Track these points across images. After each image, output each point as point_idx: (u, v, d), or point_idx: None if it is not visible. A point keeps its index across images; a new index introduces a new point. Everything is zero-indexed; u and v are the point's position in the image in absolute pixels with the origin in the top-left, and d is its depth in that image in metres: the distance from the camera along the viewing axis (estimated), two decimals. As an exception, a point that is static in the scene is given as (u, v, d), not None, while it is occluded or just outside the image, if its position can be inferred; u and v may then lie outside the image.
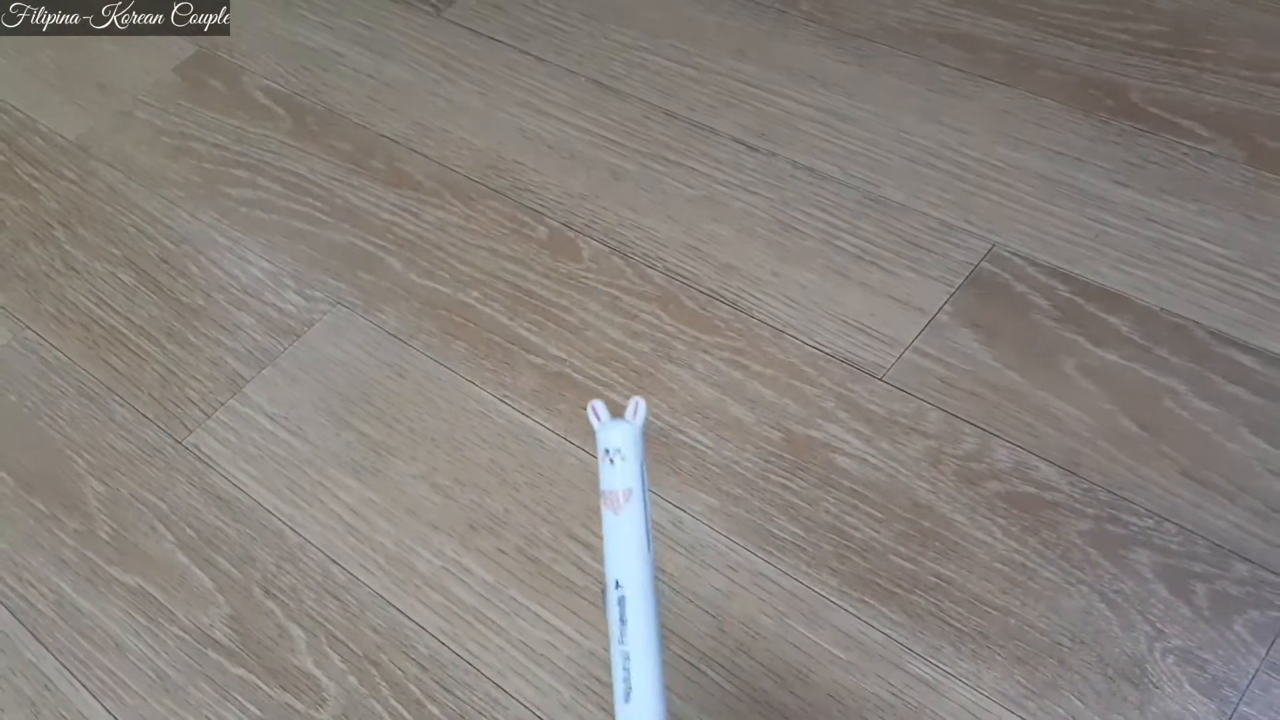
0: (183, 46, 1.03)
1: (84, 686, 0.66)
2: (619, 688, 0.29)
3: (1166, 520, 0.63)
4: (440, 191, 0.87)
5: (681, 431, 0.70)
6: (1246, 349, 0.69)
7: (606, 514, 0.29)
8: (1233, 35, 0.87)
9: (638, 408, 0.30)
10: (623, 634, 0.28)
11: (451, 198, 0.86)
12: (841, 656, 0.61)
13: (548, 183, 0.86)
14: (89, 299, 0.85)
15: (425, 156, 0.90)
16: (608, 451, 0.29)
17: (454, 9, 1.02)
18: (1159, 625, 0.60)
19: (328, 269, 0.83)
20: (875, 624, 0.61)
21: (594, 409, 0.29)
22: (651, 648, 0.29)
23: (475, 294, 0.80)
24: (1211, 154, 0.80)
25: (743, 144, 0.86)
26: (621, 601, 0.29)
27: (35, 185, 0.94)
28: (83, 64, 1.04)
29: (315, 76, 0.98)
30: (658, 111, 0.90)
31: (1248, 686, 0.57)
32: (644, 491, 0.29)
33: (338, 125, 0.93)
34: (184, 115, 0.97)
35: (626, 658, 0.28)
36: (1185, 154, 0.80)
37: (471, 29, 1.00)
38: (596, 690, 0.61)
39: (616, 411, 0.29)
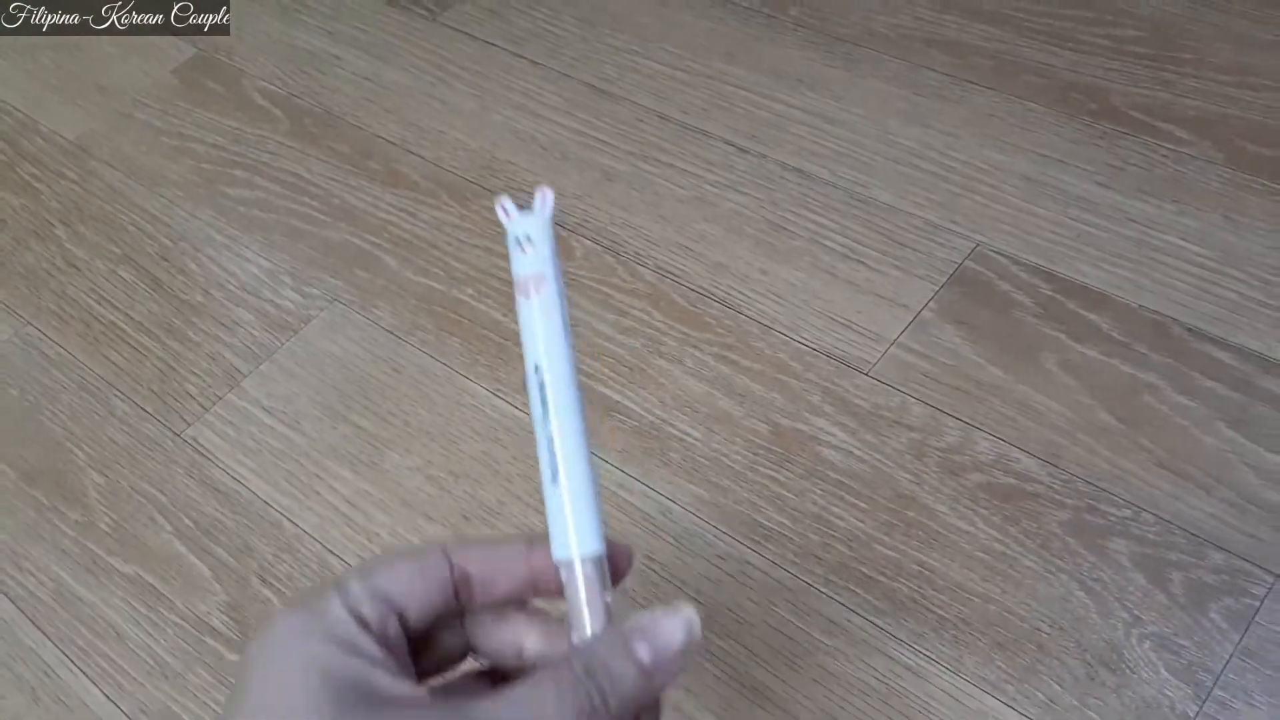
0: (182, 49, 1.05)
1: (83, 673, 0.67)
2: (545, 470, 0.29)
3: (1144, 511, 0.65)
4: (436, 192, 0.89)
5: (671, 425, 0.72)
6: (1223, 345, 0.71)
7: (520, 301, 0.29)
8: (1210, 41, 0.89)
9: (545, 198, 0.29)
10: (545, 416, 0.28)
11: (447, 198, 0.88)
12: (826, 643, 0.62)
13: (541, 182, 0.87)
14: (89, 296, 0.86)
15: (421, 157, 0.91)
16: (517, 239, 0.29)
17: (450, 14, 1.04)
18: (1136, 612, 0.61)
19: (325, 267, 0.85)
20: (860, 611, 0.63)
21: (502, 205, 0.29)
22: (575, 427, 0.28)
23: (470, 291, 0.81)
24: (1190, 156, 0.81)
25: (733, 146, 0.88)
26: (542, 385, 0.28)
27: (36, 185, 0.95)
28: (83, 66, 1.05)
29: (313, 79, 1.00)
30: (650, 114, 0.91)
31: (1222, 671, 0.59)
32: (557, 278, 0.29)
33: (335, 127, 0.95)
34: (183, 116, 0.99)
35: (551, 439, 0.28)
36: (1165, 156, 0.82)
37: (467, 33, 1.01)
38: (587, 675, 0.62)
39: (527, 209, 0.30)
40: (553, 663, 0.27)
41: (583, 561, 0.28)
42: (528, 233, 0.29)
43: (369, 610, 0.27)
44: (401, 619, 0.28)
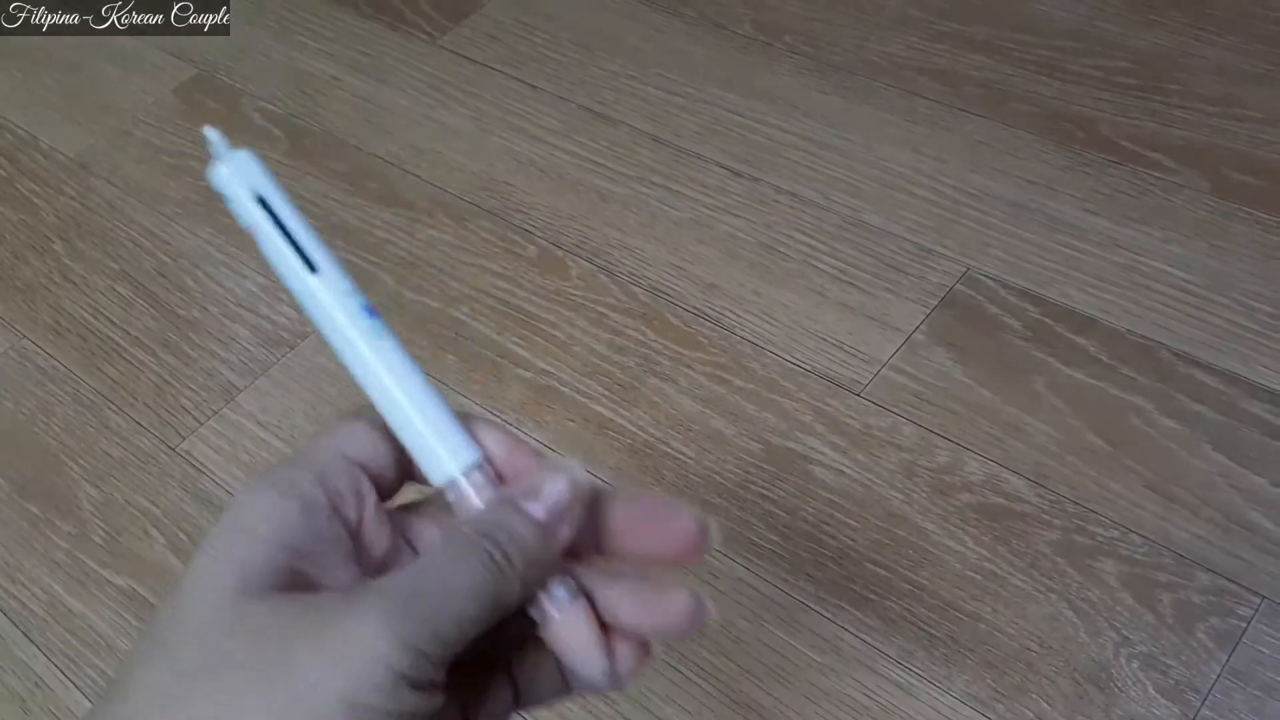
0: (182, 69, 1.06)
1: (74, 685, 0.67)
2: (380, 405, 0.27)
3: (1132, 531, 0.65)
4: (433, 211, 0.89)
5: (665, 443, 0.72)
6: (1210, 369, 0.72)
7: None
8: (1198, 73, 0.90)
9: (210, 139, 0.26)
10: (352, 350, 0.27)
11: (444, 217, 0.89)
12: (817, 659, 0.62)
13: (538, 204, 0.88)
14: (86, 310, 0.86)
15: (419, 177, 0.92)
16: (222, 195, 0.26)
17: (449, 37, 1.05)
18: (1124, 632, 0.62)
19: (322, 284, 0.85)
20: (850, 629, 0.63)
21: (208, 135, 0.26)
22: (383, 347, 0.27)
23: (465, 310, 0.82)
24: (1178, 185, 0.83)
25: (728, 169, 0.89)
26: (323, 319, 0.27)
27: (35, 200, 0.96)
28: (84, 85, 1.06)
29: (313, 100, 1.01)
30: (645, 137, 0.92)
31: (1209, 691, 0.59)
32: (273, 218, 0.26)
33: (334, 147, 0.96)
34: (182, 135, 0.99)
35: (365, 365, 0.27)
36: (1153, 184, 0.83)
37: (466, 56, 1.02)
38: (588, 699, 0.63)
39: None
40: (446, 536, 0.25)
41: (466, 474, 0.26)
42: (222, 190, 0.26)
43: (344, 484, 0.26)
44: (378, 485, 0.26)
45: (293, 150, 0.96)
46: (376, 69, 1.03)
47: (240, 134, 0.98)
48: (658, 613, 0.26)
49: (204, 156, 0.97)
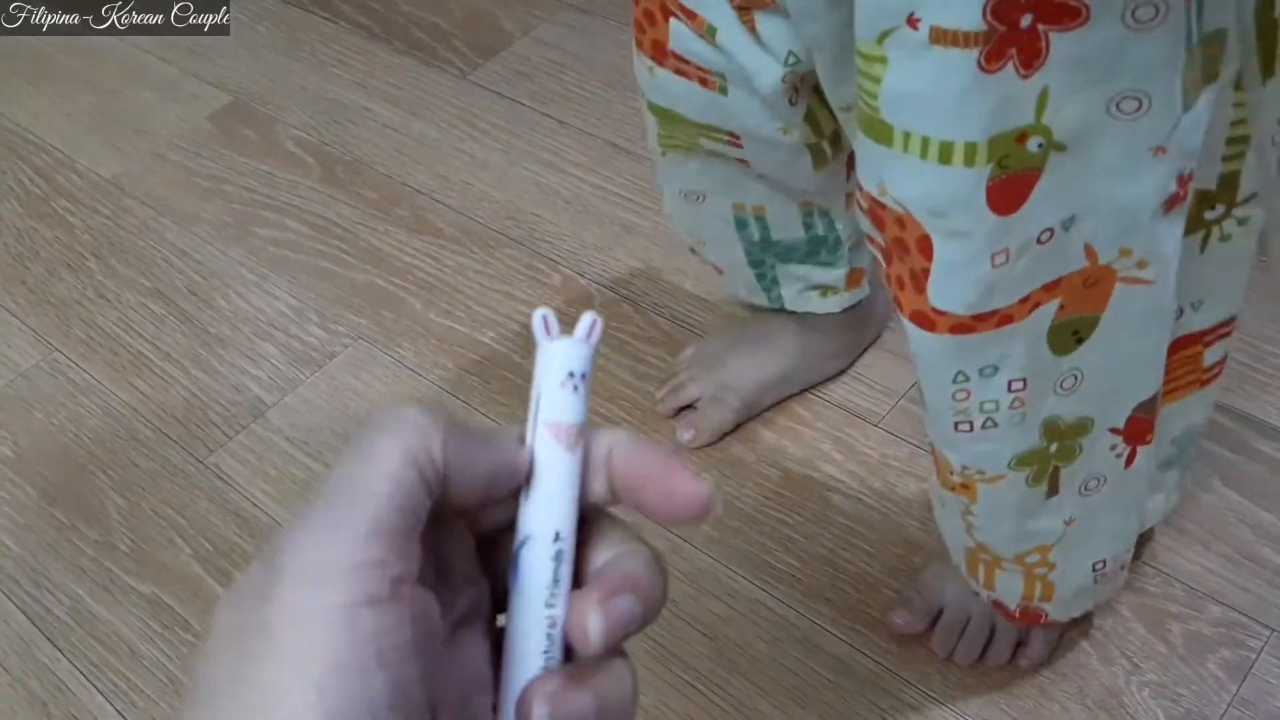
0: (218, 96, 1.09)
1: (96, 689, 0.68)
2: (539, 660, 0.23)
3: (1145, 564, 0.66)
4: (461, 239, 0.91)
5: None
6: (1220, 408, 0.73)
7: (554, 449, 0.24)
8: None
9: (595, 325, 0.24)
10: (553, 596, 0.23)
11: (471, 245, 0.91)
12: (833, 680, 0.63)
13: (563, 234, 0.91)
14: (118, 326, 0.88)
15: (447, 206, 0.94)
16: (572, 375, 0.24)
17: (480, 73, 1.08)
18: (1136, 660, 0.62)
19: (350, 306, 0.87)
20: (866, 651, 0.64)
21: (544, 319, 0.24)
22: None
23: (490, 334, 0.84)
24: (1189, 231, 0.85)
25: (749, 206, 0.91)
26: (559, 556, 0.23)
27: (70, 219, 0.98)
28: (121, 110, 1.09)
29: (345, 129, 1.03)
30: (669, 173, 0.94)
31: (1220, 721, 0.60)
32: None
33: (365, 175, 0.98)
34: (217, 160, 1.02)
35: (553, 624, 0.23)
36: (1165, 230, 0.85)
37: (496, 92, 1.05)
38: (597, 705, 0.63)
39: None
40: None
41: None
42: (585, 370, 0.24)
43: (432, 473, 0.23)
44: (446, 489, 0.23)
45: (324, 177, 0.98)
46: (408, 102, 1.05)
47: (273, 160, 1.01)
48: (672, 495, 0.24)
49: (238, 181, 0.98)
